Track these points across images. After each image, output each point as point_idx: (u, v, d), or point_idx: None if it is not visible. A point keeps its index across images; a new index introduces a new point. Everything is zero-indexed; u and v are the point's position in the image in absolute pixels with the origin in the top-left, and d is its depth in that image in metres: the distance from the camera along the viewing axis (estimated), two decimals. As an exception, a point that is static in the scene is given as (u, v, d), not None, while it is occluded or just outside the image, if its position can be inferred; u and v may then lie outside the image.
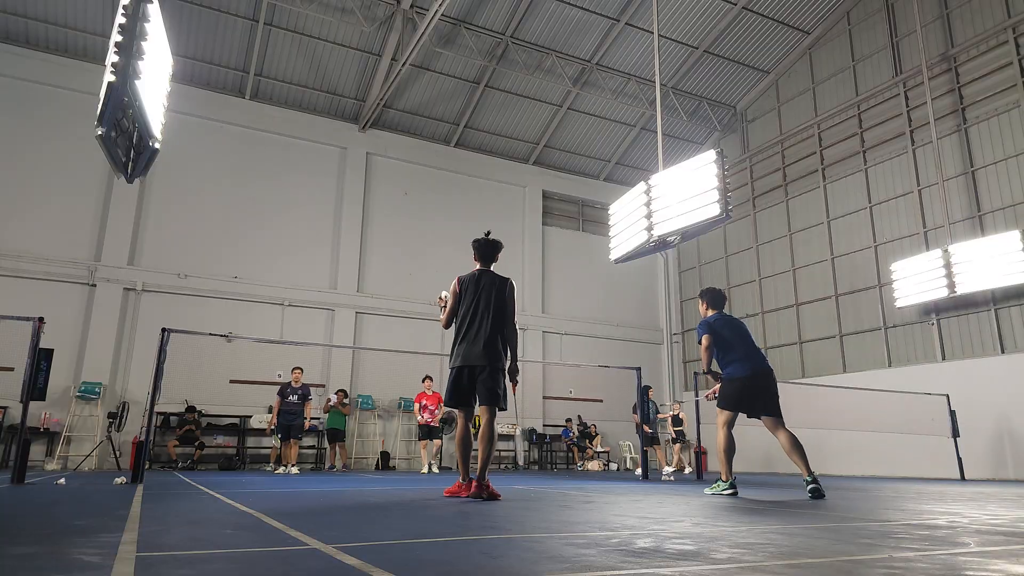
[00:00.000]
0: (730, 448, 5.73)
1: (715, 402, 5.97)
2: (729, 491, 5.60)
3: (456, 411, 5.00)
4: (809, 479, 5.30)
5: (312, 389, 11.85)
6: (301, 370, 11.30)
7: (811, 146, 16.50)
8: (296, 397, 11.01)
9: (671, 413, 14.13)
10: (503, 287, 5.05)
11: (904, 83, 14.59)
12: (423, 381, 12.18)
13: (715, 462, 14.80)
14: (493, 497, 4.64)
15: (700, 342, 5.91)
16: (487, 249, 5.20)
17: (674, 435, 13.80)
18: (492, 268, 5.23)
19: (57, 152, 13.06)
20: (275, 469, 11.35)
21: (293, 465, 10.79)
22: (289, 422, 10.88)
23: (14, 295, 11.95)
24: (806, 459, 5.47)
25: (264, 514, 3.42)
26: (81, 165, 13.01)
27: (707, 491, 5.83)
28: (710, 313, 6.14)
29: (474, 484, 4.69)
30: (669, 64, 16.62)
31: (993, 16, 13.16)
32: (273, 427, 11.12)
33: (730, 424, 5.77)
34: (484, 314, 4.92)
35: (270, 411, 13.39)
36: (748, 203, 17.78)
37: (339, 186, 15.74)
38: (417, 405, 12.11)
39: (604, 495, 5.36)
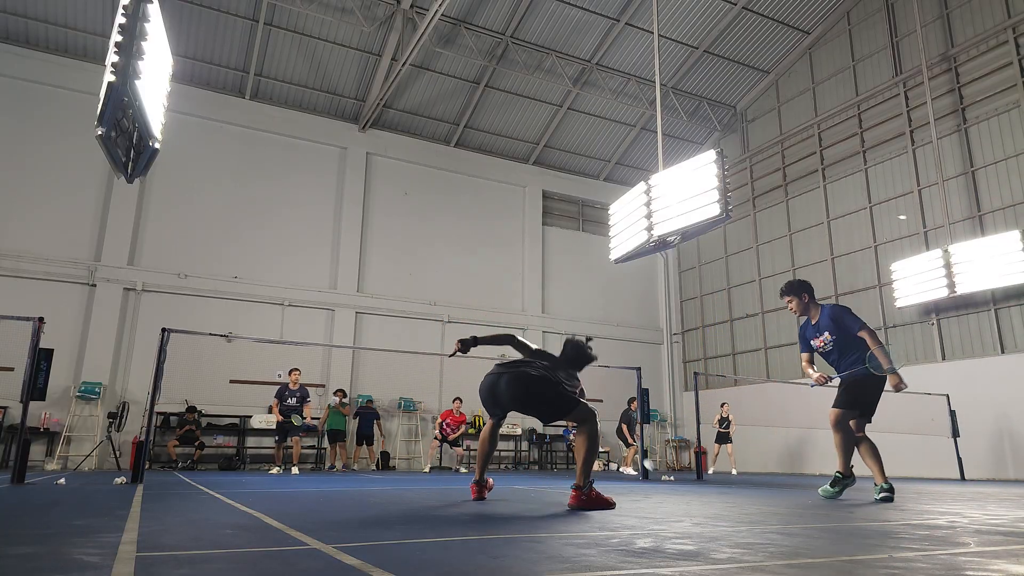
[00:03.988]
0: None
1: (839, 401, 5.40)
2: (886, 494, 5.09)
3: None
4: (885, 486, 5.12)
5: (311, 390, 11.86)
6: (299, 371, 11.28)
7: (811, 146, 16.50)
8: (295, 400, 10.96)
9: (719, 415, 14.72)
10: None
11: (904, 83, 14.58)
12: (453, 402, 13.10)
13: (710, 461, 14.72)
14: (600, 505, 4.09)
15: (862, 328, 5.35)
16: (573, 353, 4.65)
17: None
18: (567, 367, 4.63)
19: (57, 152, 13.06)
20: (270, 469, 11.32)
21: (294, 465, 10.76)
22: (286, 424, 10.86)
23: (14, 295, 11.95)
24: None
25: (264, 514, 3.42)
26: (81, 165, 13.02)
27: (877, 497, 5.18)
28: (820, 306, 5.62)
29: (574, 494, 4.11)
30: (669, 64, 16.62)
31: (993, 16, 13.16)
32: (303, 424, 11.12)
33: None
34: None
35: (270, 411, 13.42)
36: (748, 203, 17.78)
37: (339, 186, 15.74)
38: (441, 422, 13.01)
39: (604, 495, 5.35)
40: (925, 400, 11.90)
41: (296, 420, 10.84)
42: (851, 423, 5.37)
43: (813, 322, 5.64)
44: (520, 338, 4.75)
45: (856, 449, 5.38)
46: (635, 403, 12.87)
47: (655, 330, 19.26)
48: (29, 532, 2.64)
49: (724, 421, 14.56)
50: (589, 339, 4.76)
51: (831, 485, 5.41)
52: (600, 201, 18.60)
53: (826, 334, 5.52)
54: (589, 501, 4.05)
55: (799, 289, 5.67)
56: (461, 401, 12.81)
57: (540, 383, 4.29)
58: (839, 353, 5.49)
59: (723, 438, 14.54)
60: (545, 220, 18.42)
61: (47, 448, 11.91)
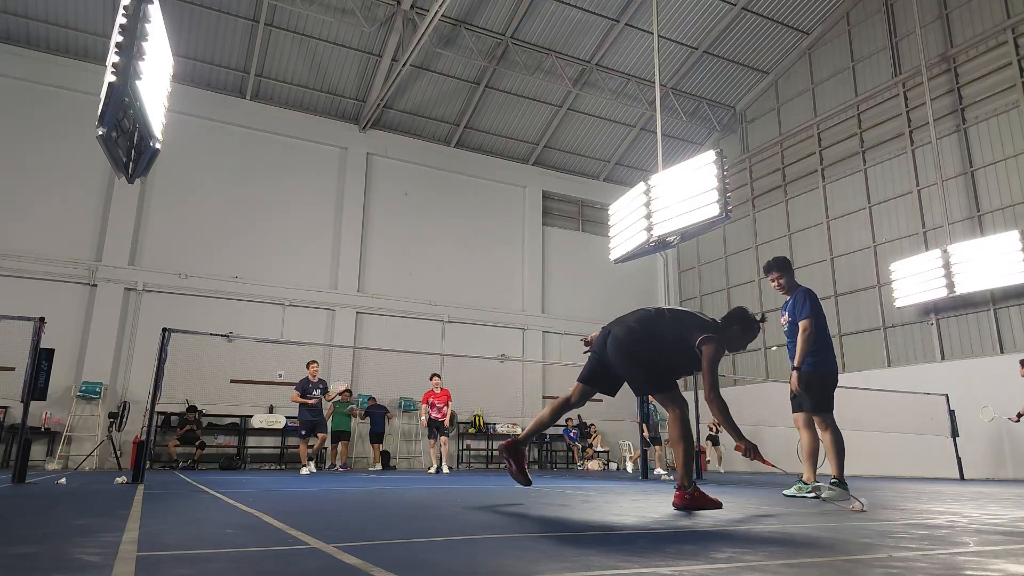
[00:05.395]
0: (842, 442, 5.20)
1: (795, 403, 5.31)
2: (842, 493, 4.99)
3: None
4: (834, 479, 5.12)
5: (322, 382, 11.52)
6: (317, 363, 10.94)
7: (810, 146, 16.51)
8: (318, 392, 10.63)
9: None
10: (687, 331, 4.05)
11: (903, 83, 14.59)
12: (431, 379, 11.95)
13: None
14: (704, 504, 3.86)
15: (804, 318, 5.17)
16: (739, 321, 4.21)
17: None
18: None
19: (58, 152, 13.07)
20: (301, 469, 10.85)
21: (304, 465, 10.56)
22: (314, 417, 10.50)
23: (15, 295, 11.95)
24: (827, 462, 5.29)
25: (265, 514, 3.43)
26: (82, 165, 13.03)
27: (825, 496, 5.04)
28: (796, 285, 5.49)
29: (678, 494, 3.89)
30: (669, 65, 16.63)
31: (992, 16, 13.17)
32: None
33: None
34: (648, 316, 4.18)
35: (271, 411, 13.43)
36: (748, 203, 17.79)
37: (339, 186, 15.76)
38: (424, 405, 11.87)
39: (604, 495, 5.37)
40: (924, 400, 11.91)
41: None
42: (800, 417, 5.34)
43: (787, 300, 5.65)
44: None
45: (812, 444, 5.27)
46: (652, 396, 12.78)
47: (655, 330, 19.24)
48: (30, 532, 2.65)
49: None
50: (763, 319, 4.43)
51: (831, 487, 5.20)
52: (600, 201, 18.61)
53: (786, 315, 5.54)
54: (693, 500, 3.83)
55: (787, 264, 5.67)
56: (440, 378, 11.96)
57: (641, 343, 3.95)
58: (790, 337, 5.47)
59: (713, 440, 15.15)
60: (545, 220, 18.43)
61: (48, 448, 11.91)
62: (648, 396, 11.33)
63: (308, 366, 10.82)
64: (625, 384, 4.28)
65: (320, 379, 10.89)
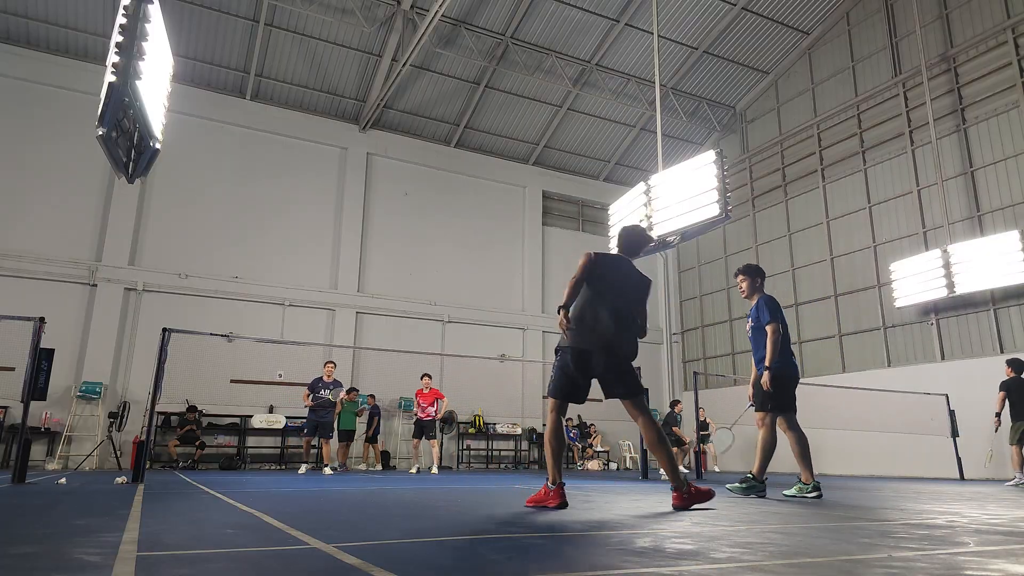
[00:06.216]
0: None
1: (757, 403, 5.52)
2: (813, 494, 5.25)
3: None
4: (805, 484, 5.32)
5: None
6: (334, 364, 10.84)
7: (810, 146, 16.51)
8: (326, 392, 10.49)
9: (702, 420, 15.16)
10: (645, 285, 4.48)
11: (903, 83, 14.59)
12: (421, 379, 11.81)
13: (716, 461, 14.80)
14: (700, 498, 4.04)
15: (768, 323, 5.41)
16: (632, 238, 4.56)
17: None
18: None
19: (58, 152, 13.07)
20: (302, 470, 10.73)
21: (326, 465, 10.39)
22: (320, 418, 10.36)
23: (15, 295, 11.96)
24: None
25: (265, 514, 3.43)
26: (82, 165, 13.03)
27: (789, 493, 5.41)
28: (760, 294, 5.72)
29: (676, 495, 4.01)
30: (669, 65, 16.63)
31: (992, 16, 13.16)
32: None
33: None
34: (619, 300, 4.33)
35: (271, 411, 13.43)
36: (748, 203, 17.78)
37: (339, 186, 15.76)
38: (416, 404, 11.75)
39: (604, 495, 5.37)
40: (924, 400, 11.91)
41: (333, 395, 10.43)
42: (779, 421, 5.50)
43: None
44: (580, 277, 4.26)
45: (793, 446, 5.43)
46: (679, 405, 13.21)
47: (655, 330, 19.26)
48: (30, 532, 2.65)
49: (703, 424, 14.82)
50: (649, 227, 4.78)
51: (740, 482, 5.51)
52: (600, 201, 18.61)
53: (749, 320, 5.74)
54: (691, 498, 3.97)
55: (755, 271, 5.85)
56: (431, 377, 11.80)
57: (626, 346, 4.33)
58: (754, 343, 5.66)
59: (703, 439, 15.18)
60: (545, 220, 18.43)
61: (48, 448, 11.91)
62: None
63: (324, 365, 10.70)
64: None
65: (335, 380, 10.70)
